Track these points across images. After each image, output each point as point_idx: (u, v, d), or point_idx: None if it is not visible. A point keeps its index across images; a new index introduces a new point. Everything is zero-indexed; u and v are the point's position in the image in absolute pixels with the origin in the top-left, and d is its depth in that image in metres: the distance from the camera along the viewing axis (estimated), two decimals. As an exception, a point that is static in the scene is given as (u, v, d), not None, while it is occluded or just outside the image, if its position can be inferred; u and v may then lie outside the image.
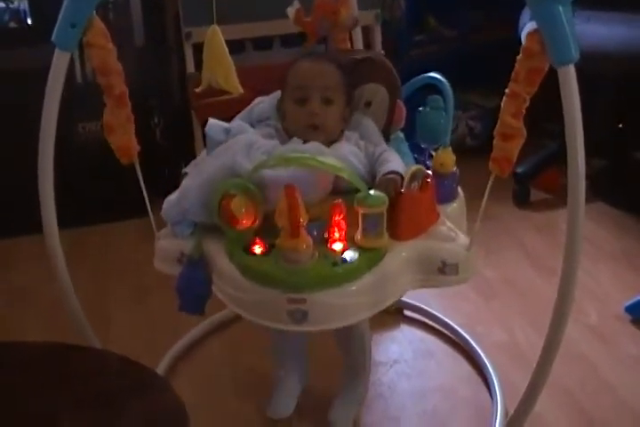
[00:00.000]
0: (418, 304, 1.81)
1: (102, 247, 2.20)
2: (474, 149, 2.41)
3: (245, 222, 1.13)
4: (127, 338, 1.73)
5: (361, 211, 1.10)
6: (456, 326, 1.74)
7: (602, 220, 2.22)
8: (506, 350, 1.68)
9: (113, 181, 1.97)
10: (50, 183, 1.29)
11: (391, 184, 1.16)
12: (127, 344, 1.66)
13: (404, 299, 1.70)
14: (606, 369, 1.60)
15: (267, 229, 1.12)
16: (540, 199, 2.39)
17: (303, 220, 1.04)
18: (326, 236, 1.11)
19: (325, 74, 1.28)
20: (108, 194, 2.24)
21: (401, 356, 1.69)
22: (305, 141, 1.24)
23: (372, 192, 1.11)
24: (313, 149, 1.19)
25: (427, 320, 1.80)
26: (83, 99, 1.80)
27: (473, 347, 1.67)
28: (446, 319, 1.76)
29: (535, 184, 2.39)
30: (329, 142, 1.24)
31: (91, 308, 1.48)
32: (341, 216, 1.09)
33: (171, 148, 2.39)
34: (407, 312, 1.82)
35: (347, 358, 1.44)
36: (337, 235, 1.11)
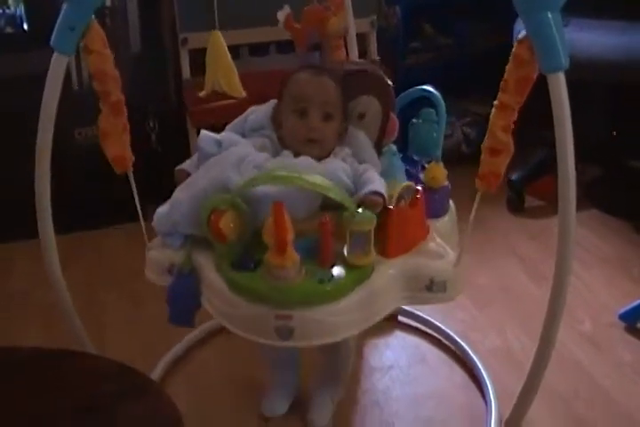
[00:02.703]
0: (412, 310, 1.81)
1: (98, 253, 2.20)
2: (469, 156, 2.41)
3: (234, 238, 1.13)
4: (122, 343, 1.73)
5: (349, 229, 1.10)
6: (450, 333, 1.74)
7: (596, 227, 2.22)
8: (500, 356, 1.68)
9: (109, 186, 1.97)
10: (46, 189, 1.29)
11: (374, 206, 1.14)
12: (122, 350, 1.65)
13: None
14: (601, 376, 1.60)
15: (256, 245, 1.12)
16: (535, 206, 2.39)
17: (290, 237, 1.04)
18: (314, 252, 1.11)
19: (326, 89, 1.27)
20: (105, 199, 2.24)
21: (395, 362, 1.69)
22: (296, 154, 1.24)
23: (360, 210, 1.11)
24: (303, 165, 1.19)
25: (421, 326, 1.80)
26: (79, 105, 1.80)
27: (467, 353, 1.67)
28: (441, 326, 1.77)
29: (529, 191, 2.40)
30: (320, 157, 1.24)
31: (86, 313, 1.48)
32: (329, 233, 1.09)
33: (166, 153, 2.39)
34: (401, 318, 1.82)
35: (328, 361, 1.45)
36: (325, 251, 1.11)
